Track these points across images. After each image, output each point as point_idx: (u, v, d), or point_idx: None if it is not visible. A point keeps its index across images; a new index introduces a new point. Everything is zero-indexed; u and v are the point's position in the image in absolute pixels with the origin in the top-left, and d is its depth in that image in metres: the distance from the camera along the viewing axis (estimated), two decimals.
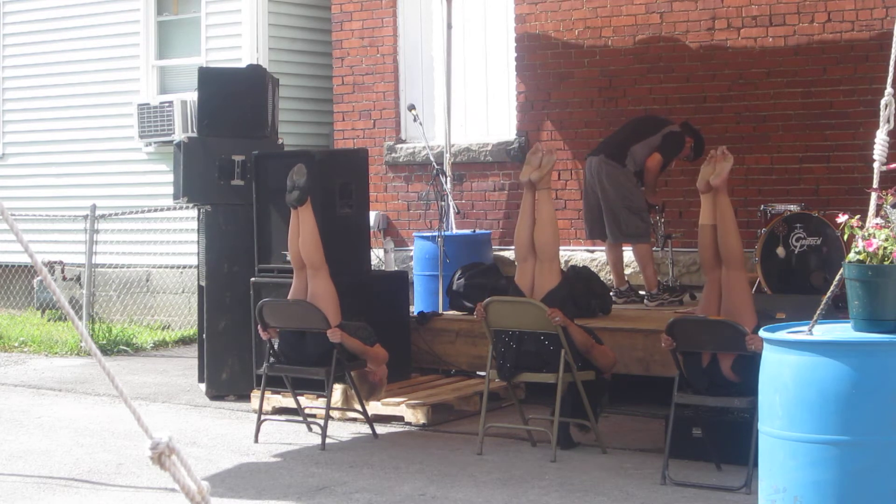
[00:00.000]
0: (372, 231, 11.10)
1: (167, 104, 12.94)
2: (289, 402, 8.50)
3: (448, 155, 11.64)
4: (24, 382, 10.51)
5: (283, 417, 8.51)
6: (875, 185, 4.91)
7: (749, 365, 6.22)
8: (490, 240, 11.43)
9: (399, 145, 12.63)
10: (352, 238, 9.17)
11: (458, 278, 9.82)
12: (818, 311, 4.85)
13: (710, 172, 7.07)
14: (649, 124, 10.14)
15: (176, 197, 9.81)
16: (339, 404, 8.43)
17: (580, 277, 9.46)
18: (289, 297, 8.18)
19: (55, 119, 14.19)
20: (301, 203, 8.05)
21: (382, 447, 7.76)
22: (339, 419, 8.45)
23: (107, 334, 12.16)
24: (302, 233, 8.04)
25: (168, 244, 13.18)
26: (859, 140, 9.88)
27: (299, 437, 8.09)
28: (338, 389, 8.41)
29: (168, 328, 13.19)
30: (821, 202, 9.95)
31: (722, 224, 7.08)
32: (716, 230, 7.05)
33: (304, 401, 8.44)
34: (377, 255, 12.05)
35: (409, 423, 8.35)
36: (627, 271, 10.44)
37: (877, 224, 4.77)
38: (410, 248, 11.91)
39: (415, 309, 10.39)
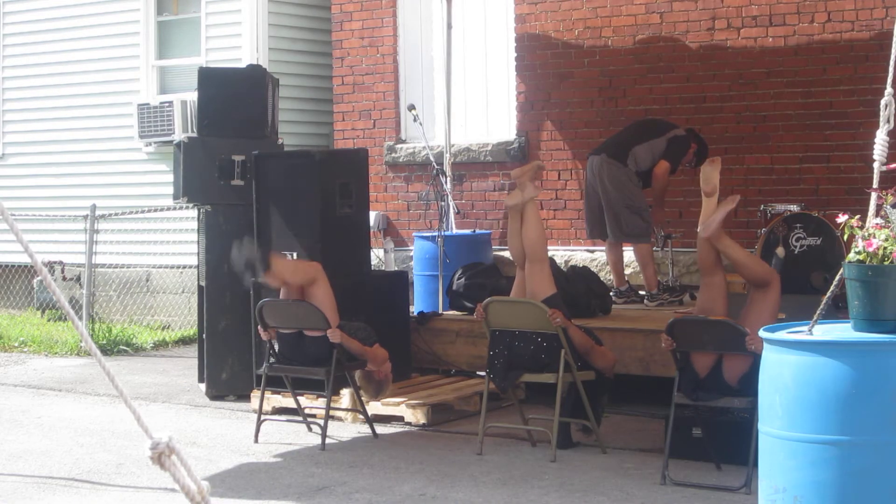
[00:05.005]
0: (372, 231, 11.09)
1: (167, 104, 12.94)
2: (289, 402, 8.49)
3: (448, 155, 11.63)
4: (24, 382, 10.50)
5: (283, 417, 8.50)
6: (875, 185, 4.91)
7: (750, 375, 6.14)
8: (490, 240, 11.42)
9: (399, 145, 12.63)
10: (352, 238, 9.17)
11: (458, 278, 9.82)
12: (818, 311, 4.84)
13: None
14: (653, 126, 10.12)
15: (176, 197, 9.81)
16: (346, 407, 8.44)
17: (580, 277, 9.45)
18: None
19: (55, 119, 14.19)
20: (258, 276, 8.09)
21: (382, 447, 7.76)
22: (346, 421, 8.45)
23: (107, 334, 12.15)
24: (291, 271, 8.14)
25: (168, 244, 13.17)
26: (859, 140, 9.88)
27: (299, 437, 8.09)
28: (345, 395, 8.41)
29: (168, 328, 13.18)
30: (821, 202, 9.94)
31: (732, 261, 6.90)
32: (709, 242, 6.93)
33: (304, 401, 8.44)
34: (377, 255, 12.05)
35: (409, 423, 8.34)
36: (627, 271, 10.43)
37: (877, 224, 4.76)
38: (410, 248, 11.90)
39: (415, 309, 10.38)
